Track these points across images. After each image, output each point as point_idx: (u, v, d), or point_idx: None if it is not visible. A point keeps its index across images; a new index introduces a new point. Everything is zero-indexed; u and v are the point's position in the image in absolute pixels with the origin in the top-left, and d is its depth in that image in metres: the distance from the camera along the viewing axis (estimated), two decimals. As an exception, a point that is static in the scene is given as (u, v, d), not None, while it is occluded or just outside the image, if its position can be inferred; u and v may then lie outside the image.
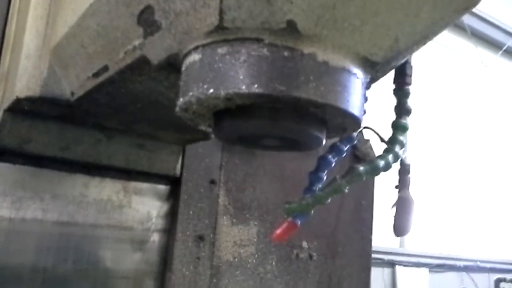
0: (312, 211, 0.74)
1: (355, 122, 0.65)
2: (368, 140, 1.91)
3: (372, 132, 1.92)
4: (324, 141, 0.67)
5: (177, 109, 0.67)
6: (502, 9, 8.62)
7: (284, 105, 0.59)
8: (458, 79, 7.97)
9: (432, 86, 7.67)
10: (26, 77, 1.10)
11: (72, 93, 1.06)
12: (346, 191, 0.69)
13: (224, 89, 0.58)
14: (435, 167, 7.46)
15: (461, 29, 7.76)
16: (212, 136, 1.39)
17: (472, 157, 8.06)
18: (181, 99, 0.64)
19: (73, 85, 1.03)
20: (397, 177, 1.91)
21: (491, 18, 8.30)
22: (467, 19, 7.62)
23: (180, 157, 1.53)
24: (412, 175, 1.87)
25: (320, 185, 0.75)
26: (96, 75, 0.91)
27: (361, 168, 0.70)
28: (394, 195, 1.98)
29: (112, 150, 1.41)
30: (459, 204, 7.73)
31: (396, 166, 1.90)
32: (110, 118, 1.23)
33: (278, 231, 0.72)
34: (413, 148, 7.12)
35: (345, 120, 0.64)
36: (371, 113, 2.25)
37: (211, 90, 0.59)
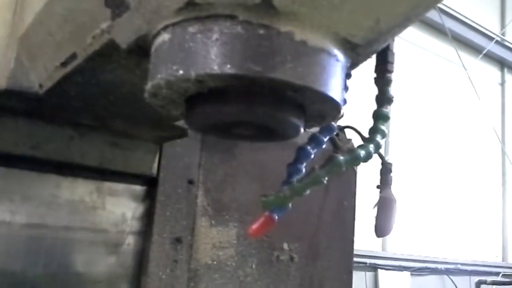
0: (290, 205, 0.70)
1: (335, 108, 0.61)
2: (350, 140, 1.89)
3: (354, 131, 1.90)
4: (302, 130, 0.64)
5: (146, 94, 0.63)
6: (483, 14, 8.77)
7: (259, 88, 0.55)
8: (439, 82, 8.06)
9: (413, 88, 7.73)
10: (-8, 68, 1.05)
11: (41, 85, 1.01)
12: (325, 181, 0.65)
13: (195, 70, 0.54)
14: (416, 170, 7.51)
15: (442, 32, 7.85)
16: (190, 133, 1.35)
17: (453, 159, 8.14)
18: (149, 83, 0.60)
19: (41, 76, 0.98)
20: (379, 177, 1.89)
21: (472, 22, 8.43)
22: (448, 22, 7.72)
23: (157, 156, 1.48)
24: (394, 175, 1.85)
25: (299, 177, 0.71)
26: (64, 64, 0.86)
27: (341, 157, 0.66)
28: (377, 196, 1.96)
29: (85, 149, 1.36)
30: (440, 207, 7.79)
31: (378, 166, 1.88)
32: (82, 113, 1.18)
33: (255, 226, 0.68)
34: (394, 150, 7.15)
35: (324, 106, 0.60)
36: (353, 113, 2.23)
37: (181, 72, 0.55)
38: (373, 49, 0.64)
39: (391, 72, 0.75)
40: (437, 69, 8.27)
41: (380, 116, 0.74)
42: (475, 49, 8.63)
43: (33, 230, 1.33)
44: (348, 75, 0.73)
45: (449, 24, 7.81)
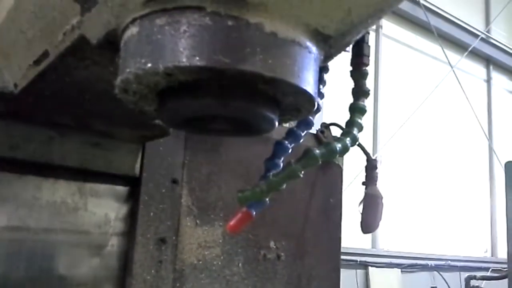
0: (268, 200, 0.69)
1: (309, 100, 0.60)
2: (335, 137, 1.89)
3: (340, 129, 1.89)
4: (276, 124, 0.63)
5: (116, 90, 0.61)
6: (468, 11, 8.83)
7: (230, 80, 0.54)
8: (425, 80, 8.11)
9: (399, 86, 7.78)
10: (-35, 69, 1.02)
11: (16, 85, 0.99)
12: (301, 175, 0.64)
13: (163, 63, 0.53)
14: (404, 167, 7.55)
15: (428, 30, 7.91)
16: (171, 132, 1.34)
17: (441, 156, 8.19)
18: (119, 78, 0.59)
19: (15, 75, 0.97)
20: (365, 174, 1.89)
21: (457, 20, 8.49)
22: (433, 20, 7.77)
23: (140, 156, 1.46)
24: (379, 171, 1.85)
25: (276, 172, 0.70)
26: (37, 62, 0.84)
27: (317, 151, 0.65)
28: (363, 193, 1.95)
29: (65, 149, 1.34)
30: (429, 203, 7.84)
31: (363, 162, 1.88)
32: (60, 113, 1.16)
33: (232, 222, 0.67)
34: (382, 147, 7.18)
35: (298, 98, 0.60)
36: (338, 110, 2.22)
37: (149, 65, 0.54)
38: (346, 41, 0.63)
39: (366, 65, 0.75)
40: (423, 67, 8.32)
41: (356, 109, 0.73)
42: (461, 47, 8.69)
43: (14, 233, 1.31)
44: (325, 69, 0.73)
45: (435, 22, 7.86)
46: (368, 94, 0.75)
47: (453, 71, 7.86)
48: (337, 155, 0.68)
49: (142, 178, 1.46)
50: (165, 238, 1.49)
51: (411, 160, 7.76)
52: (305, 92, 0.58)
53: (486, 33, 9.21)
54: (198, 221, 1.58)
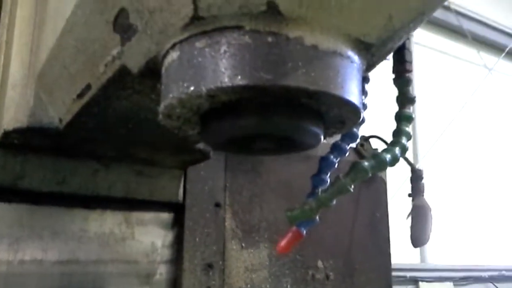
0: (318, 217, 0.67)
1: (354, 112, 0.59)
2: (376, 149, 1.85)
3: (380, 141, 1.85)
4: (322, 138, 0.61)
5: (159, 116, 0.62)
6: (500, 11, 8.61)
7: (273, 97, 0.54)
8: (462, 85, 7.91)
9: (436, 93, 7.60)
10: (13, 108, 1.06)
11: (60, 120, 1.02)
12: (352, 189, 0.62)
13: (205, 85, 0.53)
14: (447, 175, 7.33)
15: (461, 34, 7.74)
16: (213, 155, 1.34)
17: (485, 161, 7.91)
18: (162, 104, 0.59)
19: (60, 110, 0.99)
20: (410, 185, 1.84)
21: (491, 21, 8.28)
22: (466, 24, 7.61)
23: (182, 182, 1.47)
24: (425, 182, 1.80)
25: (324, 188, 0.68)
26: (80, 95, 0.86)
27: (366, 163, 0.63)
28: (409, 205, 1.90)
29: (110, 180, 1.36)
30: (479, 212, 7.55)
31: (408, 174, 1.83)
32: (104, 145, 1.18)
33: (282, 243, 0.66)
34: (424, 157, 7.00)
35: (342, 110, 0.58)
36: (377, 122, 2.18)
37: (192, 88, 0.54)
38: (388, 48, 0.62)
39: (410, 71, 0.72)
40: (459, 72, 8.12)
41: (403, 118, 0.71)
42: (497, 48, 8.46)
43: (64, 266, 1.33)
44: (366, 79, 0.71)
45: (467, 25, 7.69)
46: (414, 101, 0.73)
47: (491, 73, 7.64)
48: (387, 166, 0.66)
49: (185, 204, 1.46)
50: (212, 263, 1.49)
51: (455, 168, 7.52)
52: (349, 103, 0.56)
53: (522, 33, 8.95)
54: (243, 244, 1.57)
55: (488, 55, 8.11)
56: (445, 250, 6.92)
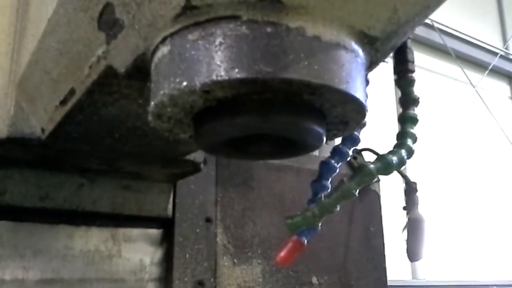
0: (320, 225, 0.63)
1: (358, 110, 0.55)
2: (369, 162, 1.81)
3: (373, 154, 1.82)
4: (324, 139, 0.57)
5: (149, 117, 0.57)
6: (483, 30, 8.77)
7: (273, 93, 0.49)
8: (448, 102, 7.99)
9: (421, 110, 7.64)
10: (-8, 118, 1.01)
11: (43, 130, 0.97)
12: (357, 194, 0.58)
13: (200, 79, 0.48)
14: (435, 190, 7.34)
15: (445, 52, 7.85)
16: (204, 168, 1.29)
17: (471, 177, 7.95)
18: (152, 103, 0.55)
19: (42, 119, 0.94)
20: (405, 198, 1.80)
21: (474, 40, 8.42)
22: (449, 42, 7.72)
23: (171, 196, 1.41)
24: (419, 194, 1.76)
25: (326, 193, 0.64)
26: (63, 102, 0.81)
27: (371, 166, 0.59)
28: (400, 216, 1.85)
29: (96, 195, 1.31)
30: (468, 226, 7.56)
31: (399, 186, 1.79)
32: (89, 157, 1.13)
33: (283, 254, 0.61)
34: (414, 172, 7.01)
35: (346, 108, 0.54)
36: (369, 135, 2.15)
37: (185, 83, 0.49)
38: (392, 44, 0.58)
39: (412, 71, 0.69)
40: (444, 89, 8.21)
41: (408, 119, 0.67)
42: (480, 66, 8.58)
43: (48, 285, 1.26)
44: (366, 80, 0.67)
45: (451, 43, 7.81)
46: (418, 102, 0.70)
47: (476, 90, 7.72)
48: (394, 169, 0.62)
49: (175, 219, 1.41)
50: (203, 280, 1.43)
51: (442, 183, 7.54)
52: (355, 100, 0.52)
53: (505, 50, 9.10)
54: (235, 260, 1.51)
55: (472, 73, 8.22)
56: (436, 265, 6.89)
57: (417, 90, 0.69)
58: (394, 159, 0.62)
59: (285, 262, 0.62)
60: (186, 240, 1.41)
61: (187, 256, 1.41)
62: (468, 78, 7.63)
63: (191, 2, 0.48)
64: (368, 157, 1.92)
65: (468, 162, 8.04)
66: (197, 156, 1.19)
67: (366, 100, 0.56)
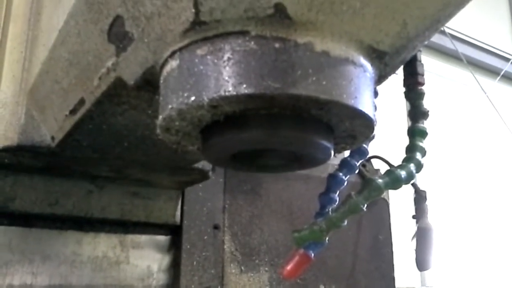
0: (327, 239, 0.62)
1: (366, 125, 0.54)
2: (378, 170, 1.80)
3: (382, 161, 1.81)
4: (332, 153, 0.57)
5: (158, 130, 0.57)
6: (495, 35, 8.70)
7: (281, 108, 0.49)
8: (459, 107, 7.92)
9: (432, 116, 7.58)
10: (3, 126, 1.02)
11: (53, 138, 0.97)
12: (365, 209, 0.58)
13: (208, 94, 0.48)
14: (447, 197, 7.27)
15: (456, 58, 7.79)
16: (211, 175, 1.29)
17: (483, 185, 7.87)
18: (160, 117, 0.55)
19: (52, 128, 0.95)
20: (414, 207, 1.79)
21: (485, 45, 8.36)
22: (461, 47, 7.67)
23: (179, 203, 1.42)
24: (429, 203, 1.75)
25: (333, 207, 0.63)
26: (73, 111, 0.82)
27: (380, 180, 0.59)
28: (409, 225, 1.84)
29: (104, 201, 1.31)
30: (477, 236, 7.48)
31: (411, 195, 1.78)
32: (98, 165, 1.13)
33: (289, 267, 0.60)
34: (423, 180, 6.96)
35: (354, 123, 0.54)
36: (378, 142, 2.13)
37: (193, 98, 0.49)
38: (401, 58, 0.58)
39: (422, 84, 0.69)
40: (455, 95, 8.15)
41: (416, 132, 0.67)
42: (492, 72, 8.51)
43: (56, 291, 1.27)
44: (375, 93, 0.67)
45: (462, 49, 7.75)
46: (428, 115, 0.69)
47: (487, 96, 7.66)
48: (403, 184, 0.61)
49: (183, 226, 1.41)
50: (210, 287, 1.42)
51: (452, 191, 7.48)
52: (363, 115, 0.52)
53: (517, 56, 9.02)
54: (242, 268, 1.51)
55: (484, 78, 8.16)
56: (445, 273, 6.82)
57: (426, 103, 0.69)
58: (403, 173, 0.61)
59: (292, 275, 0.62)
60: (193, 247, 1.42)
61: (195, 263, 1.42)
62: (479, 84, 7.57)
63: (200, 17, 0.48)
64: (377, 164, 1.92)
65: (479, 170, 7.96)
66: (205, 164, 1.20)
67: (374, 114, 0.56)
